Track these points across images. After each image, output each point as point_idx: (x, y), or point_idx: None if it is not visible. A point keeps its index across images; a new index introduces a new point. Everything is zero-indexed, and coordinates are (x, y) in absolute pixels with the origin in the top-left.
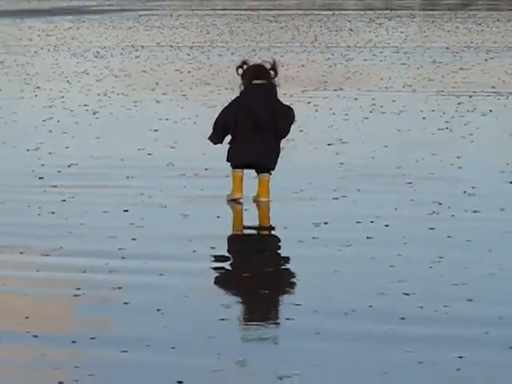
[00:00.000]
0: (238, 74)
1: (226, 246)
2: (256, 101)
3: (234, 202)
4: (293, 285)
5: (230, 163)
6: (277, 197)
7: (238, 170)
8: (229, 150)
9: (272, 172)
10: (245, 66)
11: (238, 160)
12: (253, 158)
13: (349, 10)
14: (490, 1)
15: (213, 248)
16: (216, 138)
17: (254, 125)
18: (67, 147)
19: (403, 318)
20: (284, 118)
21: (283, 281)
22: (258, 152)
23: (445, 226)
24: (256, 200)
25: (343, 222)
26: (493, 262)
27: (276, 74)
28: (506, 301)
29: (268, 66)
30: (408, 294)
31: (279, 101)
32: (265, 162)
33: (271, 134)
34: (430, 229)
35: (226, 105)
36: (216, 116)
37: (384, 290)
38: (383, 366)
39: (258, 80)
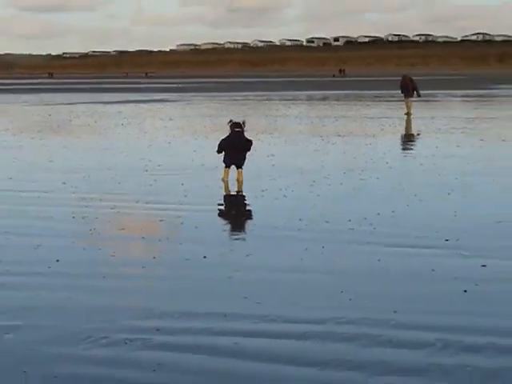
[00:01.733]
0: (227, 125)
1: (223, 200)
2: (236, 138)
3: (225, 181)
4: (253, 216)
5: (224, 164)
6: (245, 178)
7: (227, 167)
8: (224, 158)
9: (243, 168)
10: (231, 122)
11: (227, 162)
12: (234, 162)
13: (275, 100)
14: (339, 98)
15: (219, 200)
16: (219, 152)
17: (234, 148)
18: (158, 158)
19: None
20: (249, 144)
21: (249, 214)
22: (236, 159)
23: (321, 191)
24: (236, 180)
25: (274, 190)
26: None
27: (244, 126)
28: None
29: (241, 122)
30: (323, 217)
31: (246, 138)
32: (240, 163)
33: (243, 153)
34: (310, 192)
35: (222, 138)
36: (218, 143)
37: (303, 213)
38: (320, 248)
39: (237, 128)
